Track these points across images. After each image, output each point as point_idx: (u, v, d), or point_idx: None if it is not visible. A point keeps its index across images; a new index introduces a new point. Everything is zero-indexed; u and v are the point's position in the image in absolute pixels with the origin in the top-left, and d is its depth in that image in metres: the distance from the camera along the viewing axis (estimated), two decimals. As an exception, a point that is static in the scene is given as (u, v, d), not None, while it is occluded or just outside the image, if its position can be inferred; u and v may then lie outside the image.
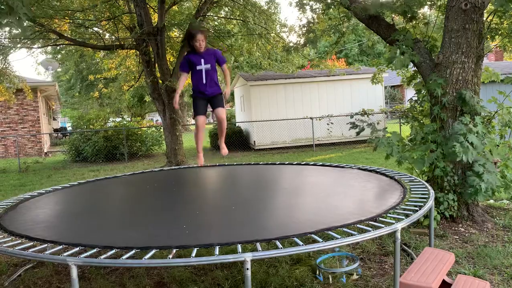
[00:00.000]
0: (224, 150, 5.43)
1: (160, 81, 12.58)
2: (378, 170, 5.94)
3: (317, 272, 4.31)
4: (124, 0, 13.19)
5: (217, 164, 7.80)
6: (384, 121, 17.05)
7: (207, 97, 4.91)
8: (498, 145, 5.72)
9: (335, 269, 4.34)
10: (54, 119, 35.45)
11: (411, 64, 6.30)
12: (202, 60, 4.79)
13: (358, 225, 3.49)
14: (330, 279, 4.20)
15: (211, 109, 5.11)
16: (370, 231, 3.28)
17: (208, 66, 4.81)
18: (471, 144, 5.22)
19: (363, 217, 3.65)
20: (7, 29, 11.58)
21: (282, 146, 17.03)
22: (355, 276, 4.23)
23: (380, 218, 3.66)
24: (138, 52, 13.22)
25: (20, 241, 3.51)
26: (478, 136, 5.31)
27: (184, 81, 5.06)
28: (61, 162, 16.79)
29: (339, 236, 3.16)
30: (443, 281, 3.64)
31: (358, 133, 6.50)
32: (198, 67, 4.80)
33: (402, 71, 7.69)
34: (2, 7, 3.25)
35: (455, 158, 5.24)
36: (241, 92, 19.32)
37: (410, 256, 4.80)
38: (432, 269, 3.53)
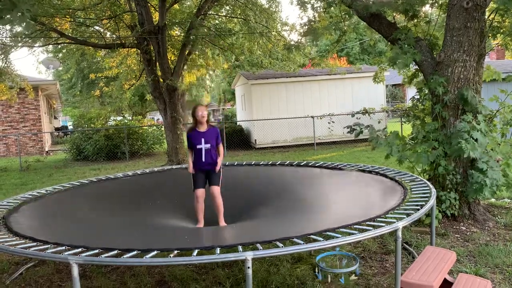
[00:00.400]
0: (223, 224, 5.15)
1: (161, 80, 12.57)
2: (379, 169, 5.94)
3: (316, 270, 4.31)
4: (125, -2, 13.19)
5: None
6: (385, 120, 17.03)
7: (205, 171, 5.10)
8: (499, 144, 5.71)
9: (335, 269, 4.34)
10: (55, 118, 35.48)
11: (413, 63, 6.29)
12: (203, 140, 5.03)
13: (359, 224, 3.49)
14: (329, 279, 4.19)
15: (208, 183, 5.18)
16: (371, 229, 3.28)
17: (208, 146, 5.03)
18: (476, 141, 5.22)
19: (364, 216, 3.65)
20: (7, 27, 11.57)
21: (283, 145, 17.01)
22: (353, 277, 4.22)
23: (381, 217, 3.65)
24: (139, 50, 13.21)
25: (23, 241, 3.52)
26: (481, 133, 5.31)
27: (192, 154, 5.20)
28: (62, 161, 16.81)
29: (340, 235, 3.16)
30: (445, 279, 3.64)
31: (356, 136, 6.47)
32: (198, 146, 5.03)
33: (403, 70, 7.67)
34: (5, 2, 3.25)
35: (461, 154, 5.22)
36: (242, 91, 19.31)
37: (412, 255, 4.79)
38: (433, 268, 3.52)
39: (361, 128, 6.42)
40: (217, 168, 5.11)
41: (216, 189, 5.05)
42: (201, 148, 5.03)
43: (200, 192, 5.05)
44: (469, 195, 5.51)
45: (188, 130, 5.22)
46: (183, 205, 5.29)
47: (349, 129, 6.57)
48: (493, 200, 6.77)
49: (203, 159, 5.04)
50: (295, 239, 3.19)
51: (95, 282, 4.49)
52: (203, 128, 5.10)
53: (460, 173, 5.72)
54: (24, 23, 3.38)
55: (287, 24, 14.69)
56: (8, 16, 3.28)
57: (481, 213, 5.86)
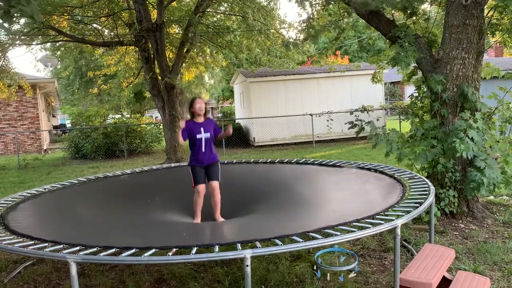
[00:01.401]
0: (220, 220, 5.19)
1: (160, 78, 12.55)
2: (378, 167, 5.93)
3: (315, 267, 4.31)
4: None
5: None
6: (384, 118, 17.03)
7: (205, 165, 5.10)
8: (498, 141, 5.71)
9: (334, 266, 4.34)
10: (54, 116, 35.40)
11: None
12: (202, 129, 5.04)
13: (358, 222, 3.49)
14: (328, 277, 4.19)
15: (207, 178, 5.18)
16: (370, 227, 3.27)
17: (208, 135, 5.04)
18: (471, 139, 5.21)
19: (364, 214, 3.64)
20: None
21: (282, 143, 17.01)
22: (352, 275, 4.23)
23: (380, 214, 3.65)
24: (137, 48, 13.18)
25: (21, 240, 3.51)
26: (478, 131, 5.30)
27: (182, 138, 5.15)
28: (60, 159, 16.78)
29: (339, 233, 3.15)
30: (443, 277, 3.64)
31: (357, 133, 6.45)
32: (198, 136, 5.02)
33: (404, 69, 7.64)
34: None
35: (455, 153, 5.23)
36: (241, 89, 19.29)
37: (410, 252, 4.80)
38: (432, 265, 3.52)
39: (363, 125, 6.41)
40: (229, 131, 5.14)
41: (217, 184, 5.06)
42: (201, 138, 5.02)
43: (201, 188, 5.05)
44: (467, 193, 5.51)
45: (186, 119, 5.18)
46: (181, 203, 5.28)
47: (351, 125, 6.55)
48: (491, 197, 6.78)
49: (203, 149, 5.03)
50: (294, 237, 3.19)
51: (93, 281, 4.48)
52: (200, 119, 5.12)
53: (459, 171, 5.72)
54: (35, 12, 3.29)
55: (285, 21, 14.67)
56: (18, 7, 3.19)
57: (479, 211, 5.87)
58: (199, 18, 12.72)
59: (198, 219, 5.10)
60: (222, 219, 5.08)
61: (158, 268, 4.69)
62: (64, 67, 27.15)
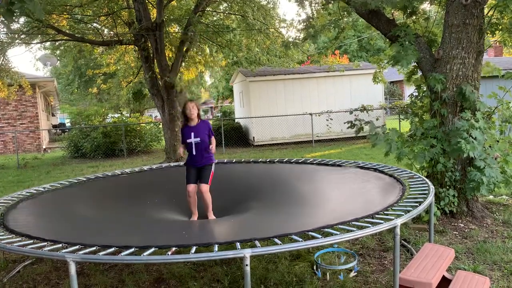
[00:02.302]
0: (211, 217, 5.31)
1: (159, 77, 12.53)
2: (377, 167, 5.93)
3: (315, 267, 4.31)
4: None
5: (216, 161, 7.76)
6: (383, 117, 17.02)
7: (197, 167, 5.26)
8: (498, 141, 5.70)
9: (333, 266, 4.34)
10: (53, 115, 35.36)
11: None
12: (192, 134, 5.20)
13: (357, 221, 3.48)
14: (328, 276, 4.19)
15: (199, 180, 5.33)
16: (369, 227, 3.27)
17: (198, 140, 5.19)
18: (475, 139, 5.21)
19: (363, 213, 3.63)
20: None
21: (282, 142, 17.01)
22: (352, 274, 4.23)
23: (380, 214, 3.65)
24: (136, 47, 13.16)
25: (20, 239, 3.50)
26: (480, 131, 5.30)
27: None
28: (60, 158, 16.76)
29: (339, 232, 3.15)
30: (443, 277, 3.63)
31: (357, 132, 6.44)
32: (188, 140, 5.21)
33: (404, 69, 7.64)
34: None
35: (462, 154, 5.22)
36: (240, 88, 19.28)
37: (410, 252, 4.79)
38: (432, 265, 3.52)
39: (362, 124, 6.40)
40: (212, 149, 5.26)
41: (204, 187, 5.18)
42: (191, 142, 5.20)
43: (191, 188, 5.23)
44: (467, 193, 5.51)
45: (182, 126, 5.43)
46: (180, 202, 5.28)
47: (349, 125, 6.54)
48: (491, 197, 6.78)
49: (194, 153, 5.21)
50: (293, 236, 3.18)
51: (92, 280, 4.47)
52: (193, 123, 5.27)
53: (459, 170, 5.72)
54: (37, 10, 3.26)
55: (285, 21, 14.66)
56: (21, 5, 3.16)
57: (479, 210, 5.87)
58: (199, 17, 12.70)
59: (195, 217, 5.25)
60: (214, 218, 5.22)
61: (158, 267, 4.68)
62: (63, 66, 27.13)
